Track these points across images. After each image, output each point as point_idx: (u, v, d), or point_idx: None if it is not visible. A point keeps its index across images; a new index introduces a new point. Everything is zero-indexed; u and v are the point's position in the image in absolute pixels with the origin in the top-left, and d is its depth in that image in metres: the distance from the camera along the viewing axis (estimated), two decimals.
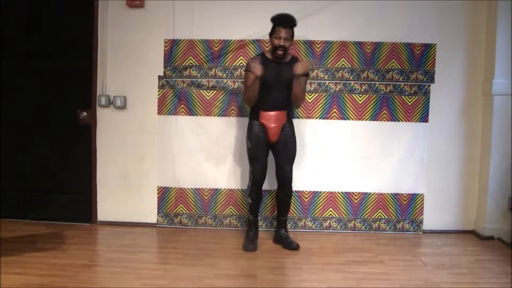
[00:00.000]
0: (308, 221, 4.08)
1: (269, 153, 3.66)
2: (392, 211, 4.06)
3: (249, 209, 3.67)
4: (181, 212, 4.12)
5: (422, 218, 4.06)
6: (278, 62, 3.52)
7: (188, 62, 4.02)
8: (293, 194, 3.75)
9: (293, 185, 3.69)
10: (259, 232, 3.74)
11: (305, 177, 4.02)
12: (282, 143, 3.59)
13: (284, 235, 3.71)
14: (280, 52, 3.46)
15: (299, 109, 3.96)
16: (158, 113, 4.06)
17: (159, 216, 4.13)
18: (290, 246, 3.61)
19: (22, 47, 4.09)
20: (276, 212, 3.86)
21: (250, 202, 3.63)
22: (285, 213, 3.74)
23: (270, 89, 3.48)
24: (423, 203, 4.06)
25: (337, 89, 4.00)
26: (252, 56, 3.93)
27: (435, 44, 3.96)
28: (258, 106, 3.55)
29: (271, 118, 3.54)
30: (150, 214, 4.13)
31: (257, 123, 3.57)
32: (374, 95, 4.00)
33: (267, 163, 3.63)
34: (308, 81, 3.95)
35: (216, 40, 3.99)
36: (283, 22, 3.45)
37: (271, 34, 3.52)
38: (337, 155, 4.03)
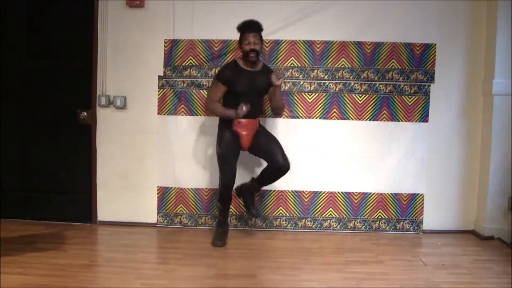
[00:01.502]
0: (308, 221, 4.07)
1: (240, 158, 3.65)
2: (392, 211, 4.06)
3: (219, 213, 3.71)
4: (181, 212, 4.12)
5: (422, 218, 4.06)
6: (251, 71, 3.51)
7: (188, 62, 4.02)
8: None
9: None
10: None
11: (305, 177, 4.02)
12: (261, 141, 3.58)
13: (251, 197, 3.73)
14: (252, 55, 3.44)
15: (298, 109, 3.98)
16: (158, 113, 4.06)
17: (159, 216, 4.13)
18: (250, 211, 3.69)
19: (22, 47, 4.09)
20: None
21: (221, 207, 3.68)
22: (262, 184, 3.71)
23: (243, 98, 3.45)
24: (423, 203, 4.06)
25: (337, 89, 3.99)
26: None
27: (435, 44, 3.96)
28: None
29: (244, 126, 3.52)
30: (150, 214, 4.13)
31: (228, 131, 3.53)
32: (374, 95, 4.00)
33: (237, 168, 3.60)
34: (308, 81, 3.97)
35: (216, 40, 3.99)
36: (249, 27, 3.45)
37: (240, 42, 3.49)
38: (337, 155, 4.03)
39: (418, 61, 3.97)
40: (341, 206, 4.07)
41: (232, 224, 4.10)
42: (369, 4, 3.93)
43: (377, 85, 3.99)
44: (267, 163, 3.63)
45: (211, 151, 4.06)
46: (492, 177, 3.89)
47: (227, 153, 3.55)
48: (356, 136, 4.02)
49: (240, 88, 3.47)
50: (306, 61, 3.97)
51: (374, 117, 4.01)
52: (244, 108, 3.39)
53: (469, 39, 3.98)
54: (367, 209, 4.06)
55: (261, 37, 3.50)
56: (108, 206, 4.15)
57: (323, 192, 4.07)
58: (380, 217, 4.07)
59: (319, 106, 4.01)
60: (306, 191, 4.05)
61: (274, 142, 3.60)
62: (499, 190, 3.89)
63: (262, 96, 3.64)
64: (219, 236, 3.67)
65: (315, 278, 3.13)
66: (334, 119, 4.01)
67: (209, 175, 4.08)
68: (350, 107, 4.00)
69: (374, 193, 4.05)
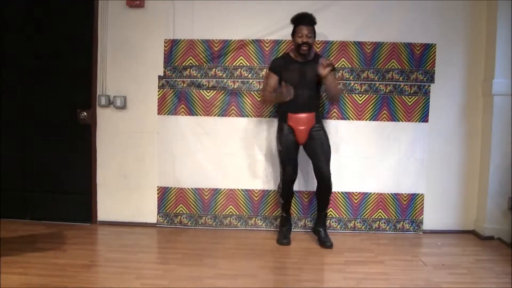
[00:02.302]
0: (308, 221, 4.07)
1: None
2: (392, 211, 4.06)
3: (282, 208, 3.77)
4: (181, 212, 4.12)
5: (422, 218, 4.06)
6: (302, 62, 3.55)
7: (188, 62, 4.02)
8: (331, 191, 3.69)
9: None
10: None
11: (305, 177, 4.01)
12: (314, 144, 3.61)
13: (321, 232, 3.73)
14: (304, 48, 3.49)
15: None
16: (158, 113, 4.06)
17: (159, 216, 4.13)
18: (324, 244, 3.66)
19: (22, 47, 4.09)
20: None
21: (282, 202, 3.72)
22: (323, 209, 3.76)
23: (296, 90, 3.50)
24: (423, 203, 4.05)
25: None
26: (254, 55, 3.94)
27: (435, 44, 3.96)
28: (285, 108, 3.59)
29: (299, 121, 3.57)
30: (150, 214, 4.13)
31: (286, 126, 3.60)
32: (374, 95, 4.00)
33: (298, 163, 3.67)
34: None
35: (216, 40, 3.99)
36: (304, 20, 3.52)
37: (293, 34, 3.55)
38: (337, 155, 4.02)
39: (418, 61, 3.97)
40: (341, 206, 4.07)
41: (232, 224, 4.10)
42: (369, 4, 3.93)
43: (377, 85, 3.99)
44: (312, 166, 3.67)
45: (211, 151, 4.06)
46: (492, 177, 3.89)
47: (288, 152, 3.61)
48: (356, 136, 4.01)
49: (289, 78, 3.53)
50: None
51: (374, 117, 4.01)
52: (291, 91, 3.45)
53: (469, 39, 3.98)
54: (367, 209, 4.06)
55: (314, 30, 3.55)
56: (108, 206, 4.15)
57: None
58: (380, 217, 4.07)
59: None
60: (306, 191, 4.05)
61: (324, 149, 3.61)
62: (499, 190, 3.89)
63: (316, 88, 3.64)
64: (285, 234, 3.74)
65: (315, 278, 3.13)
66: (334, 119, 4.01)
67: (209, 175, 4.08)
68: (350, 107, 4.00)
69: (374, 193, 4.05)
